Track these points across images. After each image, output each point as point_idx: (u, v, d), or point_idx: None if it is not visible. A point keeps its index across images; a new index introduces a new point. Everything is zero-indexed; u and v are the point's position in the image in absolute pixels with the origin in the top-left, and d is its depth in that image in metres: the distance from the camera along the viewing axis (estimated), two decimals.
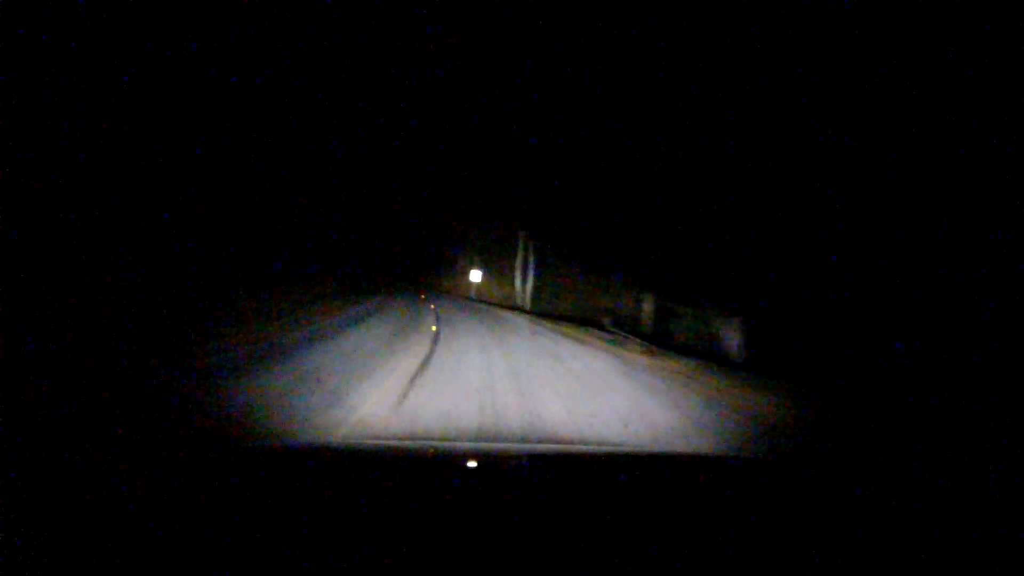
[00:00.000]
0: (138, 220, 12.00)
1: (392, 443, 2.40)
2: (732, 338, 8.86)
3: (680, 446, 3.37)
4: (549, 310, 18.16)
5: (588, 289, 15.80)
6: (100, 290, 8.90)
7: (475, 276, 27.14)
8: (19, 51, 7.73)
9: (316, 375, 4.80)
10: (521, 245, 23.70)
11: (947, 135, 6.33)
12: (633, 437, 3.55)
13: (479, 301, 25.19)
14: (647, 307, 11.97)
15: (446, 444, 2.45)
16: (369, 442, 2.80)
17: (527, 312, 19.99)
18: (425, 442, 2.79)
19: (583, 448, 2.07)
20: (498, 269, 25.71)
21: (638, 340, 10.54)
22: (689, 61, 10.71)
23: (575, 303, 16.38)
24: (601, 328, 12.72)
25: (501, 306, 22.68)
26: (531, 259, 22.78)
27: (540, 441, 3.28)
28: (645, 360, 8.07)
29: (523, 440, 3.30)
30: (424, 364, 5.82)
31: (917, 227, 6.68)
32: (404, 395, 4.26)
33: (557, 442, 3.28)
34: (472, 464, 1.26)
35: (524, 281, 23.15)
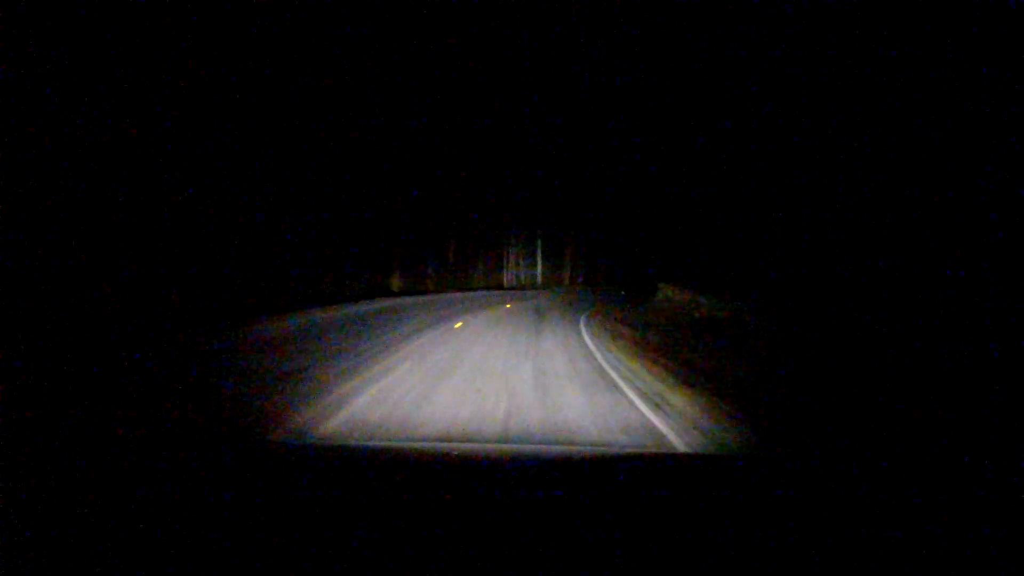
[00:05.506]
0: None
1: (394, 444, 2.40)
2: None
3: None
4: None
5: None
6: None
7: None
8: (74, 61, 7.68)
9: None
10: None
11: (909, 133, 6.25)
12: (634, 439, 3.54)
13: None
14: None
15: (448, 445, 2.44)
16: (373, 443, 2.80)
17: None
18: (427, 443, 2.79)
19: (586, 449, 2.07)
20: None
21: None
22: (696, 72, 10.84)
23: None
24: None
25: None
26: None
27: (547, 443, 3.27)
28: None
29: (527, 441, 3.30)
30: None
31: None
32: None
33: (561, 443, 3.28)
34: (473, 465, 1.26)
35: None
